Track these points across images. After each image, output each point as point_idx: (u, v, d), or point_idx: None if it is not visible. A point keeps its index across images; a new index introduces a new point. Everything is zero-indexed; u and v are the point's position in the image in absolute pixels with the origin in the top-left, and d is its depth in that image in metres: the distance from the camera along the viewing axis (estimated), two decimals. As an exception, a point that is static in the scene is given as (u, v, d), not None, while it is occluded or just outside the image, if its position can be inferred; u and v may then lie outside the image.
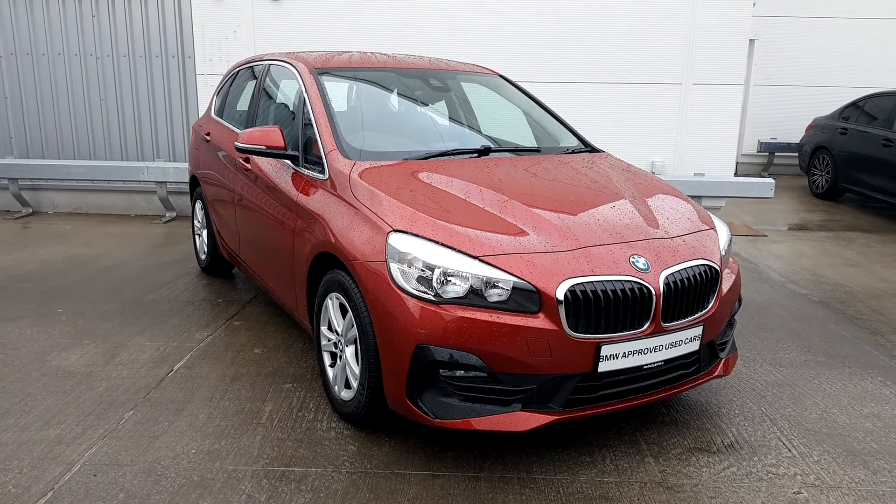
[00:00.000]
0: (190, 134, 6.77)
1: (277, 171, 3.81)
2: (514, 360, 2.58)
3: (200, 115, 6.48)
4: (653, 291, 2.70)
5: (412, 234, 2.75)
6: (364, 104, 4.11)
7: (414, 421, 2.77)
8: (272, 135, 3.59)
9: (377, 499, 2.62)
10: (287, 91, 4.21)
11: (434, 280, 2.63)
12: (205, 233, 5.38)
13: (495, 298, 2.61)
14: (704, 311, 2.92)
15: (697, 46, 7.28)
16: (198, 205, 5.52)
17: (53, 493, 2.61)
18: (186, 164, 6.99)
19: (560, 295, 2.58)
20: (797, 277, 5.80)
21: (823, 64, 12.25)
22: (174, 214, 7.83)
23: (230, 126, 4.80)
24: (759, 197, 7.23)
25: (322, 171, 3.41)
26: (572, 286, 2.60)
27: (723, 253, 3.16)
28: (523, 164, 3.64)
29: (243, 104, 4.81)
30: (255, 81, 4.65)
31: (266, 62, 4.60)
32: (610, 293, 2.64)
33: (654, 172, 7.37)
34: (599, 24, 7.28)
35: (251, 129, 3.75)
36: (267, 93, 4.47)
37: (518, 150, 3.97)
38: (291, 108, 4.05)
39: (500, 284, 2.61)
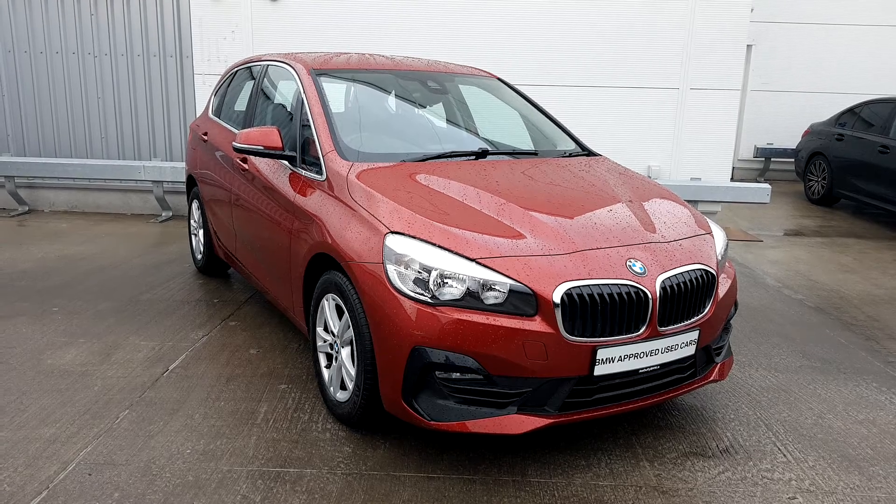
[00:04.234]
0: (187, 133, 6.76)
1: (275, 172, 3.81)
2: (511, 363, 2.58)
3: (198, 115, 6.47)
4: (649, 295, 2.71)
5: (409, 236, 2.75)
6: (362, 106, 4.11)
7: (409, 423, 2.76)
8: (270, 135, 3.59)
9: (372, 500, 2.61)
10: (285, 92, 4.21)
11: (431, 282, 2.63)
12: (201, 233, 5.37)
13: (492, 301, 2.61)
14: (700, 316, 2.93)
15: (695, 51, 7.30)
16: (194, 204, 5.51)
17: (48, 492, 2.60)
18: (183, 164, 6.99)
19: (556, 298, 2.58)
20: (793, 283, 5.82)
21: (820, 70, 12.29)
22: (170, 214, 7.82)
23: (228, 126, 4.79)
24: (755, 202, 7.25)
25: (320, 172, 3.41)
26: (569, 289, 2.61)
27: (719, 258, 3.17)
28: (520, 167, 3.65)
29: (241, 104, 4.81)
30: (253, 82, 4.65)
31: (264, 63, 4.60)
32: (606, 297, 2.64)
33: (650, 176, 7.38)
34: (598, 28, 7.30)
35: (249, 129, 3.75)
36: (265, 93, 4.47)
37: (515, 153, 3.97)
38: (289, 109, 4.05)
39: (497, 287, 2.61)
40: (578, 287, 2.62)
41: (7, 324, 4.32)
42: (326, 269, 3.19)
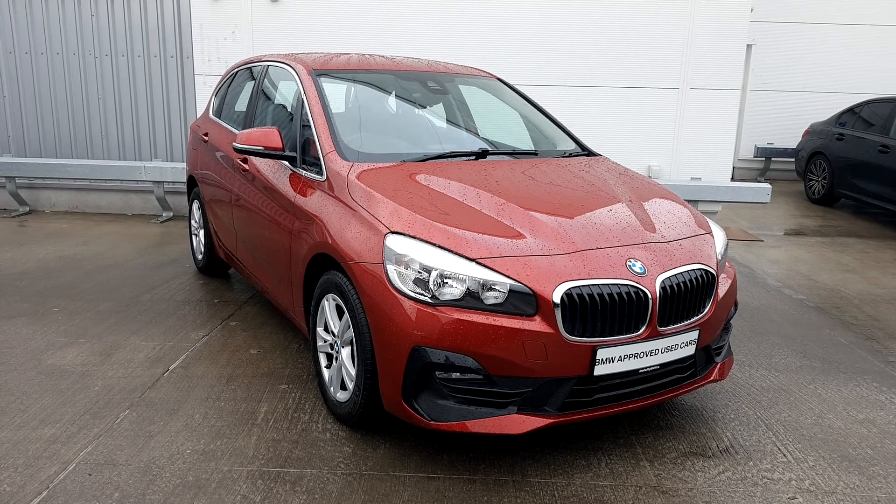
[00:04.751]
0: (188, 134, 6.77)
1: (275, 172, 3.81)
2: (511, 363, 2.59)
3: (198, 116, 6.47)
4: (649, 295, 2.71)
5: (409, 237, 2.76)
6: (362, 106, 4.12)
7: (410, 423, 2.77)
8: (270, 136, 3.59)
9: (372, 500, 2.62)
10: (285, 92, 4.22)
11: (431, 282, 2.64)
12: (202, 233, 5.37)
13: (492, 301, 2.62)
14: (700, 316, 2.93)
15: (695, 51, 7.30)
16: (195, 205, 5.52)
17: (48, 492, 2.60)
18: (184, 164, 7.00)
19: (556, 298, 2.58)
20: (793, 282, 5.82)
21: (820, 69, 12.28)
22: (171, 214, 7.82)
23: (228, 127, 4.80)
24: (755, 202, 7.26)
25: (320, 173, 3.41)
26: (569, 289, 2.61)
27: (719, 257, 3.17)
28: (521, 167, 3.65)
29: (242, 105, 4.81)
30: (253, 82, 4.66)
31: (265, 63, 4.61)
32: (606, 297, 2.64)
33: (650, 176, 7.38)
34: (597, 27, 7.30)
35: (249, 129, 3.75)
36: (265, 94, 4.47)
37: (515, 154, 3.98)
38: (290, 110, 4.05)
39: (497, 287, 2.61)
40: (578, 287, 2.62)
41: (8, 324, 4.33)
42: (326, 269, 3.19)
